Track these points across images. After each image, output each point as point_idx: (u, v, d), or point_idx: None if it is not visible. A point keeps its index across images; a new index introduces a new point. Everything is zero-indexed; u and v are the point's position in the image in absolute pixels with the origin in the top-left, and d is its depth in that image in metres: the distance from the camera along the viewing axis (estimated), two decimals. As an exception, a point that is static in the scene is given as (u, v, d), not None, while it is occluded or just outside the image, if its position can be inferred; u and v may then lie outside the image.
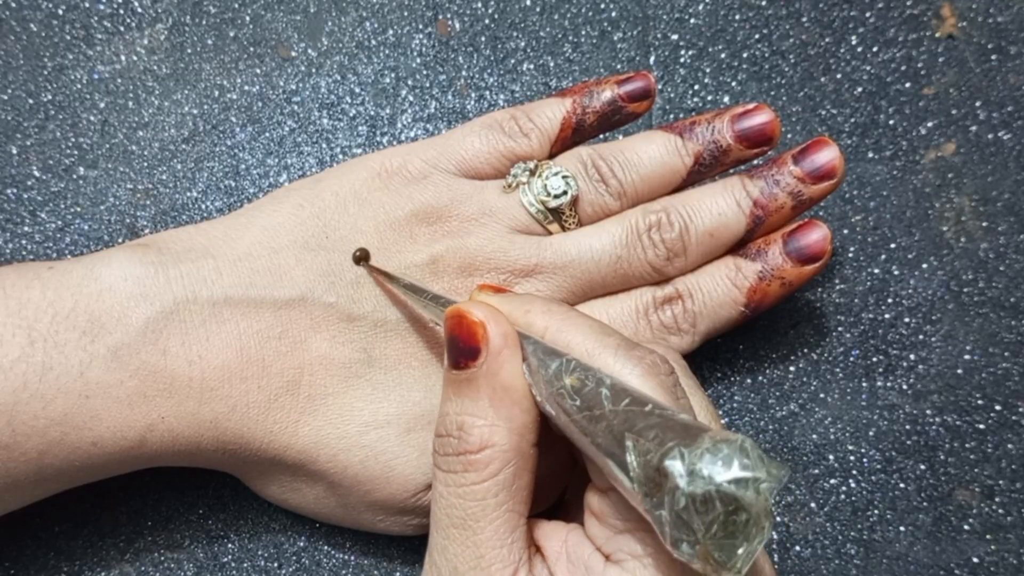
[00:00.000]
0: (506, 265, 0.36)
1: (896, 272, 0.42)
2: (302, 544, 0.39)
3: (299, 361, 0.34)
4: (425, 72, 0.44)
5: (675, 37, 0.45)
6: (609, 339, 0.29)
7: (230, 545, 0.38)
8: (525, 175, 0.37)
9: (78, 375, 0.31)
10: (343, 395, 0.34)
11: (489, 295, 0.31)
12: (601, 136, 0.40)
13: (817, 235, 0.37)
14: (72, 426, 0.32)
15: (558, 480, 0.35)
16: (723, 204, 0.37)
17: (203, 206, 0.42)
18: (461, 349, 0.29)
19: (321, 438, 0.34)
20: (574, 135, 0.38)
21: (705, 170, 0.38)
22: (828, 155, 0.37)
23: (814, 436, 0.41)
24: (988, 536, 0.40)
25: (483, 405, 0.29)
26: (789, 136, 0.44)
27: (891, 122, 0.44)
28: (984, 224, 0.43)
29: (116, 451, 0.32)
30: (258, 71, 0.43)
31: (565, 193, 0.37)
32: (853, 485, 0.40)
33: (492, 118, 0.38)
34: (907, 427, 0.41)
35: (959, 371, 0.41)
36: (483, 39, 0.44)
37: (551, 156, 0.38)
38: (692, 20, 0.45)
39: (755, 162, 0.41)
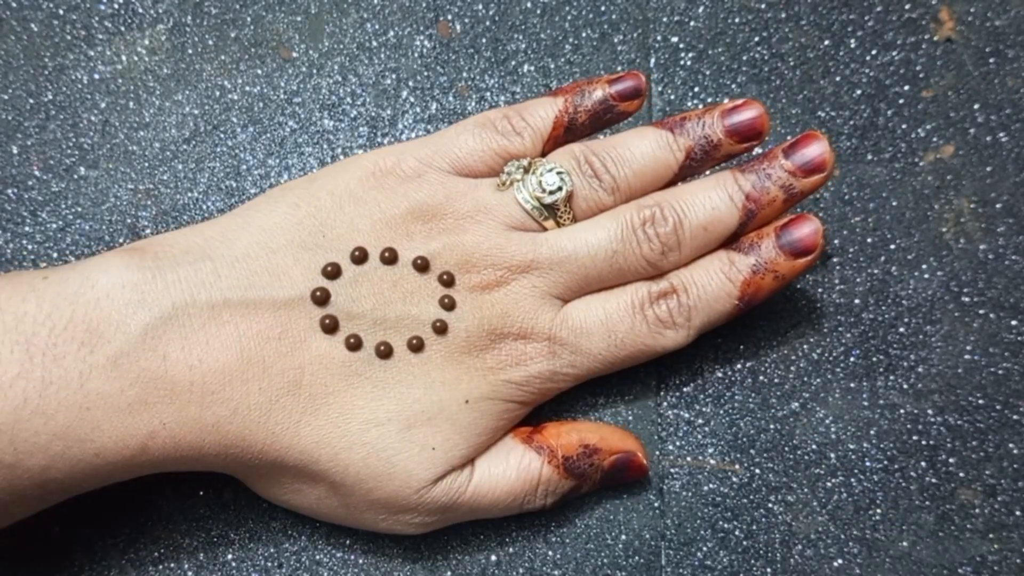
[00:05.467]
0: (503, 261, 0.36)
1: (896, 273, 0.43)
2: (302, 544, 0.38)
3: (299, 361, 0.34)
4: (426, 73, 0.44)
5: (675, 40, 0.45)
6: None
7: (231, 545, 0.38)
8: (519, 172, 0.37)
9: (78, 387, 0.31)
10: (344, 393, 0.34)
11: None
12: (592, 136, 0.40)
13: (809, 228, 0.37)
14: (74, 439, 0.31)
15: None
16: (716, 198, 0.37)
17: (204, 206, 0.42)
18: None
19: (322, 437, 0.34)
20: (566, 134, 0.39)
21: (696, 165, 0.38)
22: (818, 148, 0.37)
23: (815, 436, 0.40)
24: (991, 535, 0.39)
25: None
26: (789, 138, 0.44)
27: (890, 124, 0.44)
28: (983, 225, 0.43)
29: (119, 460, 0.32)
30: (259, 72, 0.43)
31: (560, 189, 0.37)
32: (855, 484, 0.40)
33: (485, 117, 0.38)
34: (908, 426, 0.41)
35: (959, 371, 0.41)
36: (484, 41, 0.45)
37: (544, 154, 0.39)
38: (692, 23, 0.45)
39: (743, 158, 0.41)
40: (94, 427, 0.31)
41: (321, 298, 0.35)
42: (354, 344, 0.35)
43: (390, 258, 0.36)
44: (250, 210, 0.36)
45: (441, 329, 0.35)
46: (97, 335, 0.32)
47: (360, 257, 0.35)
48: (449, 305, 0.36)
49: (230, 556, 0.38)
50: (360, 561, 0.38)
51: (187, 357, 0.33)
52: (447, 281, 0.36)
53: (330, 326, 0.34)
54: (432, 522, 0.36)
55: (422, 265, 0.36)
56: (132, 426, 0.32)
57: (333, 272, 0.35)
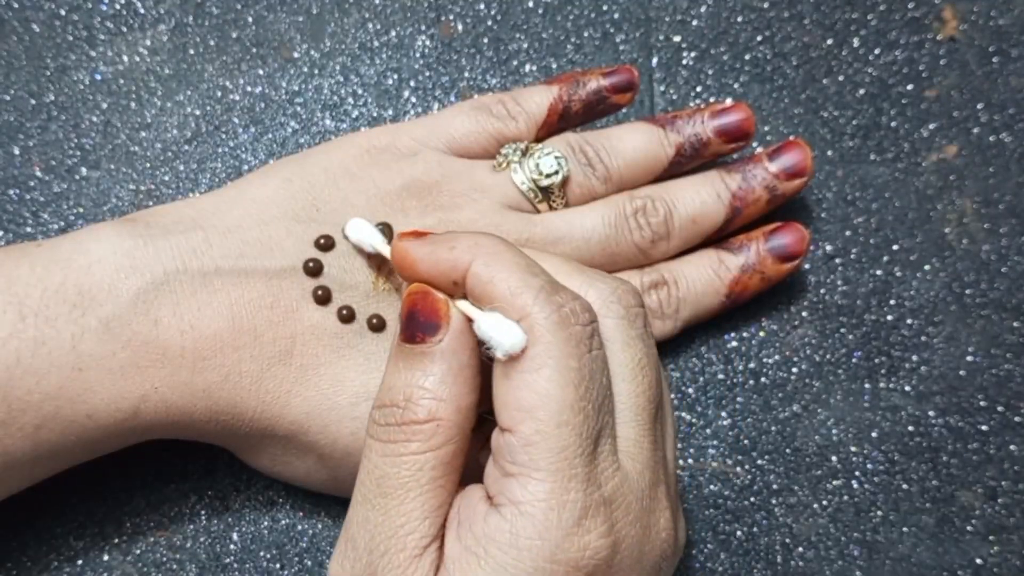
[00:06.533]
0: None
1: (898, 274, 0.43)
2: (304, 545, 0.39)
3: (291, 331, 0.34)
4: (428, 73, 0.44)
5: (677, 39, 0.45)
6: (534, 279, 0.29)
7: (232, 546, 0.38)
8: (516, 155, 0.38)
9: (70, 348, 0.31)
10: (334, 365, 0.34)
11: (411, 240, 0.31)
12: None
13: (795, 236, 0.39)
14: (67, 399, 0.31)
15: None
16: (704, 194, 0.39)
17: (205, 207, 0.42)
18: (420, 323, 0.29)
19: (312, 408, 0.34)
20: (559, 121, 0.40)
21: (685, 161, 0.40)
22: (799, 155, 0.40)
23: (817, 437, 0.41)
24: (991, 537, 0.40)
25: (434, 380, 0.29)
26: (791, 137, 0.44)
27: (893, 124, 0.44)
28: (986, 226, 0.43)
29: (111, 423, 0.32)
30: (261, 72, 0.43)
31: (557, 172, 0.38)
32: (856, 486, 0.40)
33: (480, 101, 0.39)
34: (910, 428, 0.41)
35: (961, 372, 0.41)
36: (486, 40, 0.44)
37: (537, 141, 0.39)
38: (694, 22, 0.45)
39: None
40: (86, 388, 0.32)
41: (314, 269, 0.35)
42: (346, 316, 0.35)
43: (385, 232, 0.36)
44: (243, 184, 0.37)
45: None
46: (89, 298, 0.32)
47: None
48: None
49: (232, 557, 0.38)
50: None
51: (178, 322, 0.33)
52: None
53: (323, 297, 0.34)
54: None
55: None
56: (124, 388, 0.32)
57: (326, 244, 0.35)
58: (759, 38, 0.45)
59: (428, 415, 0.29)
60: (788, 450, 0.40)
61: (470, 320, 0.29)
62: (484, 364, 0.30)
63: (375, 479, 0.29)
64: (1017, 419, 0.41)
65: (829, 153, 0.44)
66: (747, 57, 0.45)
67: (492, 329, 0.28)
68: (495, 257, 0.29)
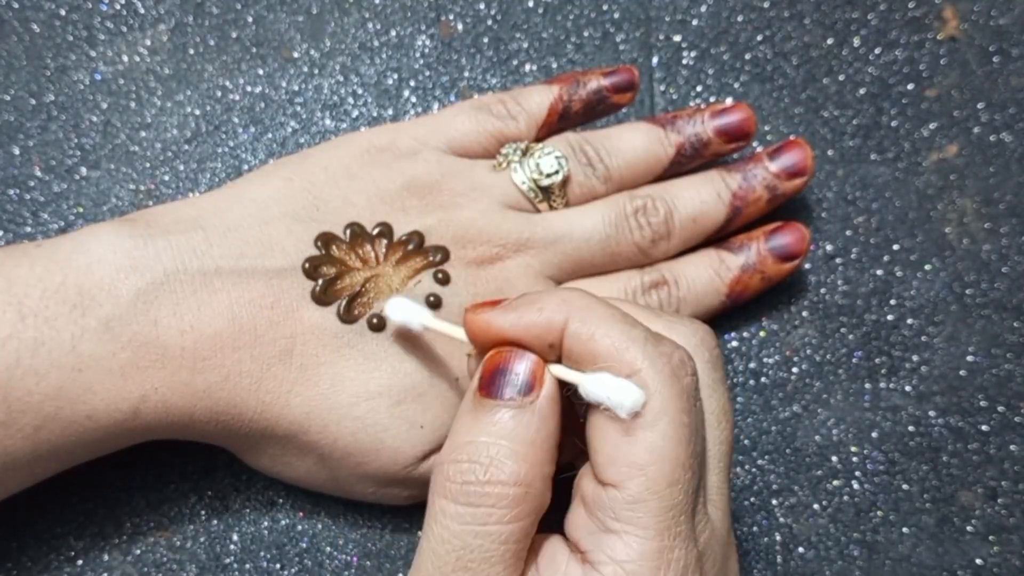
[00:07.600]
0: (498, 238, 0.37)
1: (899, 274, 0.42)
2: (304, 546, 0.38)
3: (291, 330, 0.34)
4: (428, 73, 0.44)
5: (678, 38, 0.45)
6: (636, 332, 0.28)
7: (232, 546, 0.38)
8: (516, 155, 0.38)
9: (70, 349, 0.31)
10: (334, 364, 0.34)
11: (489, 311, 0.30)
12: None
13: (796, 236, 0.39)
14: (66, 400, 0.31)
15: None
16: (705, 193, 0.39)
17: (205, 207, 0.42)
18: (511, 380, 0.28)
19: (312, 408, 0.34)
20: (559, 121, 0.40)
21: (685, 161, 0.40)
22: (800, 155, 0.40)
23: (817, 438, 0.40)
24: (991, 537, 0.39)
25: (523, 443, 0.28)
26: (792, 137, 0.44)
27: (894, 124, 0.44)
28: (987, 226, 0.43)
29: (111, 424, 0.32)
30: (260, 72, 0.43)
31: (557, 172, 0.38)
32: (856, 487, 0.40)
33: (480, 100, 0.39)
34: (910, 428, 0.41)
35: (962, 372, 0.41)
36: (486, 40, 0.44)
37: (537, 140, 0.39)
38: (695, 21, 0.45)
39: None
40: (86, 389, 0.31)
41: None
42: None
43: (385, 232, 0.36)
44: (243, 183, 0.37)
45: (435, 304, 0.35)
46: (89, 298, 0.32)
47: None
48: (443, 280, 0.36)
49: (232, 557, 0.38)
50: (363, 563, 0.39)
51: (178, 322, 0.32)
52: (442, 256, 0.36)
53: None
54: (420, 495, 0.36)
55: (417, 239, 0.36)
56: (124, 389, 0.32)
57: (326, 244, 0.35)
58: (759, 38, 0.45)
59: (516, 478, 0.27)
60: (788, 450, 0.40)
61: (563, 386, 0.28)
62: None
63: (453, 551, 0.27)
64: (1017, 419, 0.41)
65: (829, 153, 0.44)
66: (747, 57, 0.45)
67: (607, 389, 0.27)
68: (589, 312, 0.28)
